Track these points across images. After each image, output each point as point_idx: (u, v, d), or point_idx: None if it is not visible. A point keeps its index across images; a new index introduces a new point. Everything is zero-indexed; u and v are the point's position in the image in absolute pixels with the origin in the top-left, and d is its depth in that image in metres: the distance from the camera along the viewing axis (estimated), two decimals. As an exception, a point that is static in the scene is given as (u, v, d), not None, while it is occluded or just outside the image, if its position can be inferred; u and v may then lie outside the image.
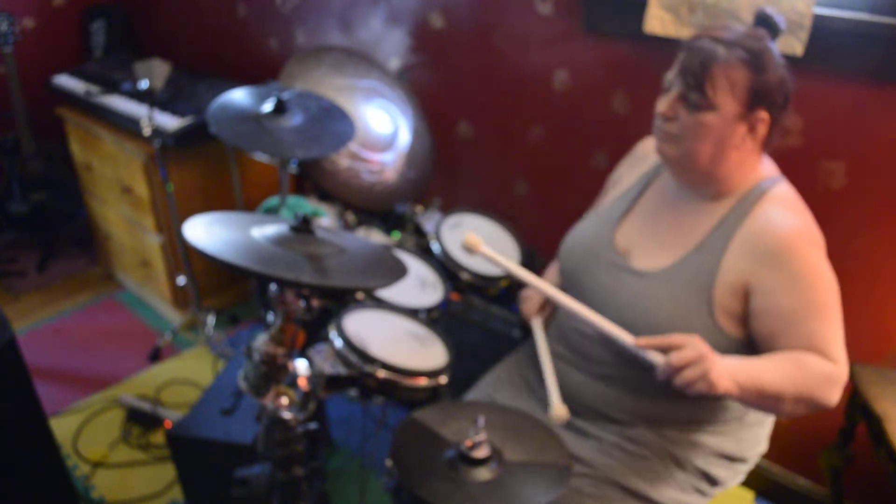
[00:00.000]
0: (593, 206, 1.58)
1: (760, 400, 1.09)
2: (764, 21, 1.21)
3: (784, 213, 1.19)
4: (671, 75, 1.20)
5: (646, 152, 1.44)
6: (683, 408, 1.28)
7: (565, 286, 1.42)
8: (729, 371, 1.06)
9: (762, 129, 1.18)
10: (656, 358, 1.08)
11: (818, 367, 1.10)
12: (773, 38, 1.19)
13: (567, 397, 1.37)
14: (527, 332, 1.70)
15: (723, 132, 1.16)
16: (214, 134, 1.76)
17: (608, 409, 1.31)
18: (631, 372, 1.27)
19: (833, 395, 1.11)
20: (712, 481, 1.32)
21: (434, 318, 1.59)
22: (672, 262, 1.25)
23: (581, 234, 1.44)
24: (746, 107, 1.15)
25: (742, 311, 1.19)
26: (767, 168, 1.26)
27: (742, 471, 1.36)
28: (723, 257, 1.19)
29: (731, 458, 1.33)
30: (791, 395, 1.08)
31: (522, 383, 1.47)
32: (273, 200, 2.09)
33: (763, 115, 1.16)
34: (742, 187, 1.23)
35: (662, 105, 1.20)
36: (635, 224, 1.36)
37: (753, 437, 1.35)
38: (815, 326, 1.13)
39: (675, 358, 1.04)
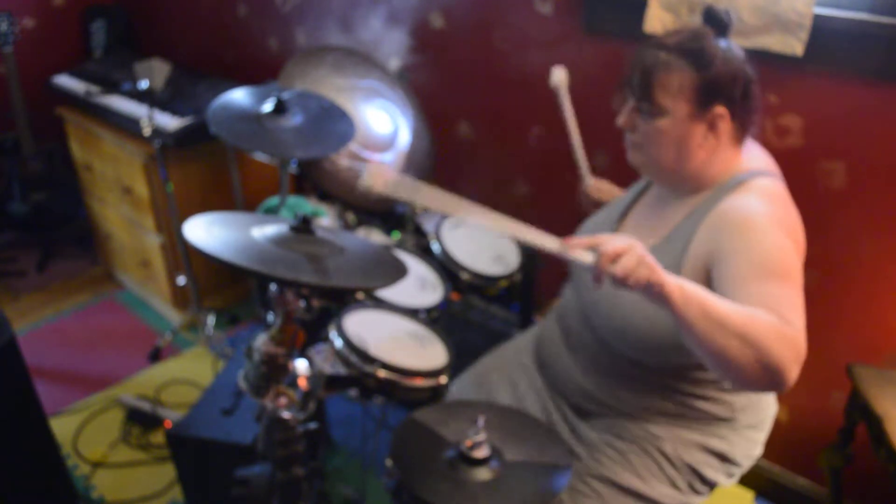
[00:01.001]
0: None
1: (704, 321, 0.97)
2: (710, 18, 1.21)
3: (756, 199, 1.16)
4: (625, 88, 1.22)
5: None
6: (668, 404, 1.28)
7: (571, 281, 1.44)
8: (675, 277, 0.99)
9: (723, 125, 1.17)
10: (587, 258, 0.99)
11: (771, 320, 1.00)
12: (722, 34, 1.19)
13: (561, 384, 1.39)
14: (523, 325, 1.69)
15: (680, 134, 1.17)
16: (214, 134, 1.76)
17: (598, 398, 1.32)
18: (612, 360, 1.29)
19: (787, 357, 0.97)
20: (703, 479, 1.32)
21: (434, 318, 1.59)
22: None
23: (585, 231, 1.46)
24: (698, 106, 1.15)
25: None
26: (755, 162, 1.25)
27: (734, 474, 1.36)
28: (689, 244, 1.19)
29: (722, 458, 1.32)
30: (738, 331, 0.97)
31: (521, 372, 1.48)
32: (273, 200, 2.09)
33: (720, 110, 1.16)
34: (719, 181, 1.23)
35: (621, 118, 1.23)
36: (631, 222, 1.38)
37: (747, 440, 1.34)
38: (769, 290, 1.05)
39: (608, 245, 0.96)
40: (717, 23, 1.20)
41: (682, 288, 0.98)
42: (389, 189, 1.07)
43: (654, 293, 0.97)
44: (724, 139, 1.19)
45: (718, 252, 1.14)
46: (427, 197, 1.06)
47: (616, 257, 0.96)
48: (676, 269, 1.19)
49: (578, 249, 1.00)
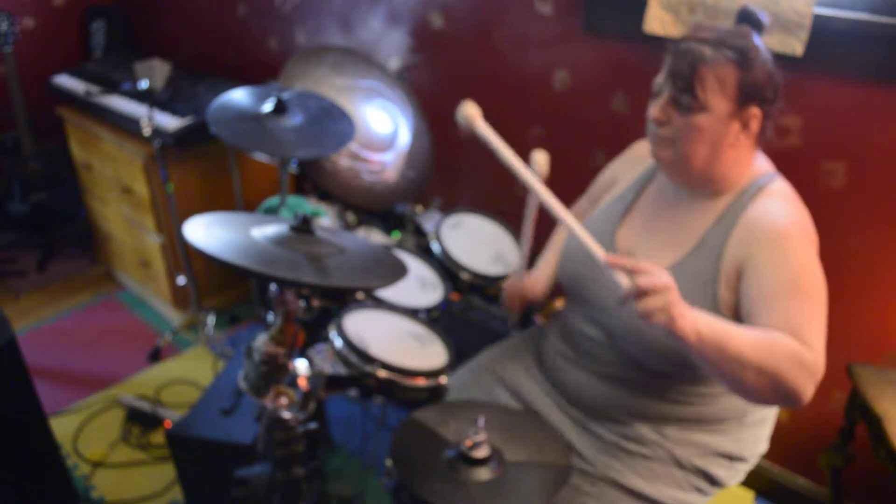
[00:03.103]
0: (581, 200, 1.61)
1: (720, 358, 1.02)
2: (747, 17, 1.21)
3: (782, 206, 1.19)
4: (660, 79, 1.20)
5: (642, 153, 1.44)
6: (684, 408, 1.28)
7: (566, 293, 1.42)
8: (693, 317, 1.01)
9: (755, 125, 1.18)
10: (623, 280, 1.02)
11: (790, 346, 1.04)
12: (757, 34, 1.19)
13: (570, 396, 1.38)
14: (523, 326, 1.70)
15: (716, 132, 1.16)
16: (214, 134, 1.76)
17: (610, 408, 1.32)
18: (633, 373, 1.28)
19: (803, 381, 1.03)
20: (712, 480, 1.32)
21: (434, 318, 1.59)
22: (675, 260, 1.25)
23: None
24: (738, 104, 1.15)
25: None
26: (763, 164, 1.27)
27: (742, 470, 1.36)
28: (723, 252, 1.20)
29: (731, 458, 1.33)
30: (754, 364, 1.01)
31: (525, 374, 1.47)
32: (273, 200, 2.09)
33: (755, 111, 1.17)
34: (739, 183, 1.23)
35: (654, 110, 1.20)
36: (636, 225, 1.36)
37: (753, 437, 1.36)
38: (795, 310, 1.09)
39: (643, 280, 0.98)
40: (754, 22, 1.20)
41: (699, 332, 1.00)
42: (480, 127, 1.15)
43: (670, 333, 1.00)
44: (751, 140, 1.21)
45: (751, 262, 1.16)
46: (506, 153, 1.13)
47: (644, 294, 0.98)
48: (712, 277, 1.19)
49: (619, 269, 1.03)
